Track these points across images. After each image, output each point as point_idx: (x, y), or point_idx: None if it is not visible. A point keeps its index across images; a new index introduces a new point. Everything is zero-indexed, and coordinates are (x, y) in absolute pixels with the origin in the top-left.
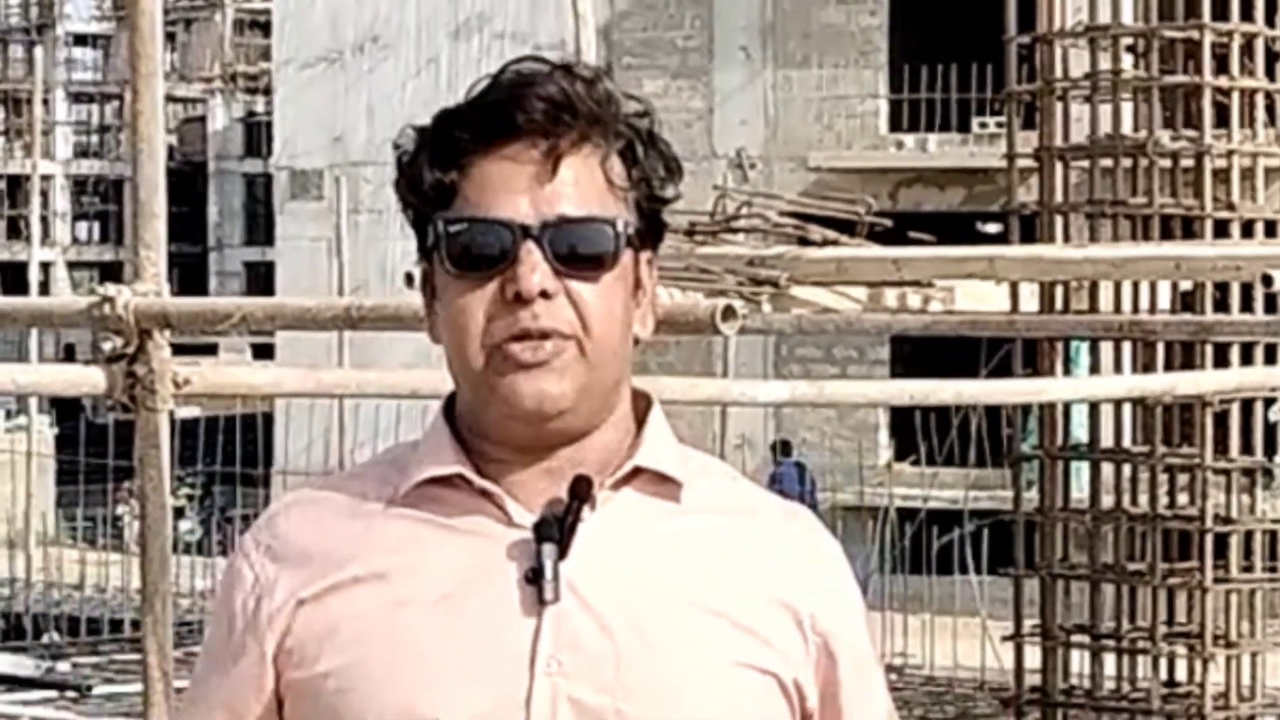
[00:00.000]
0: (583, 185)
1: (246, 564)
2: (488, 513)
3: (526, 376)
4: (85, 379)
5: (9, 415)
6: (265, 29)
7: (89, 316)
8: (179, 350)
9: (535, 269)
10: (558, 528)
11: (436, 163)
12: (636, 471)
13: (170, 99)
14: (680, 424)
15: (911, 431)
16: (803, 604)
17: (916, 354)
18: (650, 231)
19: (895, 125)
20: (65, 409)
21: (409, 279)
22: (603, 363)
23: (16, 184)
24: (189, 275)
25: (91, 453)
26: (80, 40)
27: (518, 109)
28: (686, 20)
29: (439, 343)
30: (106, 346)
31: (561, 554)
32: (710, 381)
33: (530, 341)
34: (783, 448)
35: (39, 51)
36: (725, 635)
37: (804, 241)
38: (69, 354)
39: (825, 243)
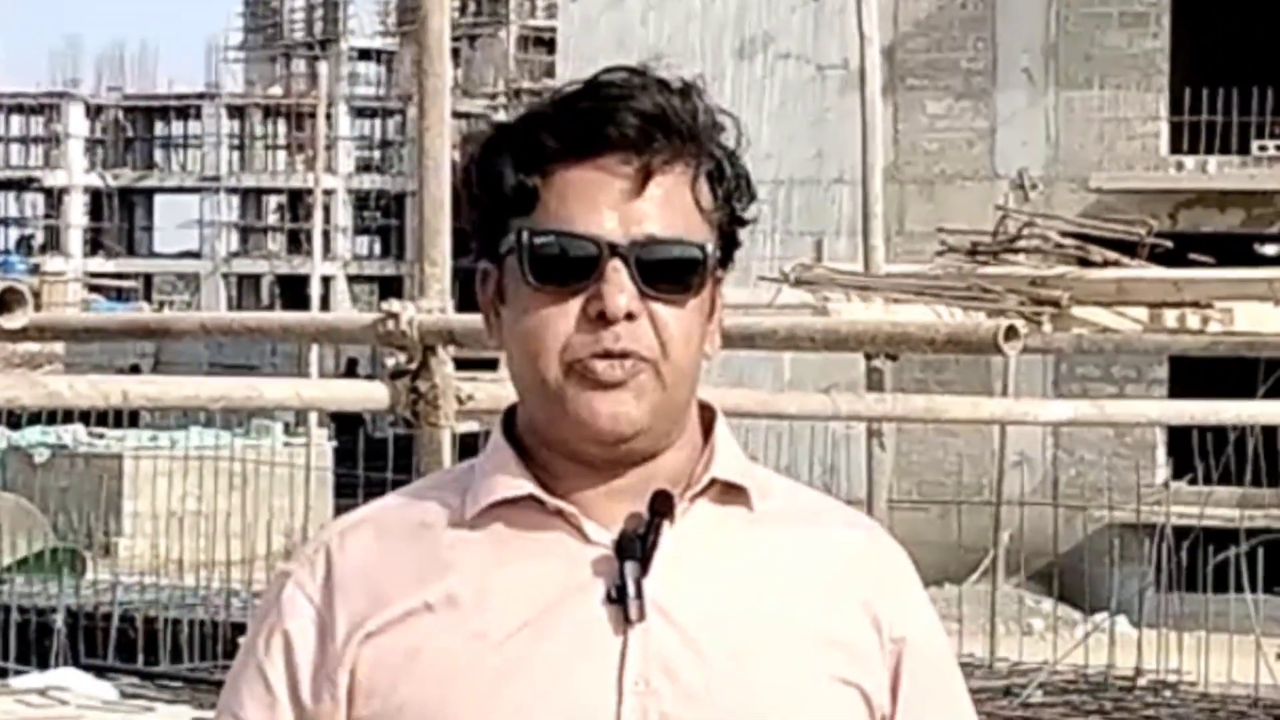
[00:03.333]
0: (672, 206)
1: (301, 594)
2: (563, 532)
3: (603, 396)
4: (368, 394)
5: (288, 428)
6: (549, 46)
7: (374, 332)
8: (458, 365)
9: (622, 289)
10: (639, 544)
11: (520, 166)
12: (711, 483)
13: (453, 114)
14: (958, 441)
15: (1189, 450)
16: (881, 610)
17: (1194, 373)
18: (726, 252)
19: (1176, 147)
20: (344, 422)
21: None
22: (677, 385)
23: (299, 198)
24: (469, 290)
25: (370, 467)
26: (364, 55)
27: (610, 122)
28: (970, 42)
29: (502, 348)
30: (390, 362)
31: (643, 571)
32: (994, 401)
33: (610, 360)
34: None
35: (322, 66)
36: (814, 648)
37: (1085, 262)
38: (350, 368)
39: (1106, 264)
